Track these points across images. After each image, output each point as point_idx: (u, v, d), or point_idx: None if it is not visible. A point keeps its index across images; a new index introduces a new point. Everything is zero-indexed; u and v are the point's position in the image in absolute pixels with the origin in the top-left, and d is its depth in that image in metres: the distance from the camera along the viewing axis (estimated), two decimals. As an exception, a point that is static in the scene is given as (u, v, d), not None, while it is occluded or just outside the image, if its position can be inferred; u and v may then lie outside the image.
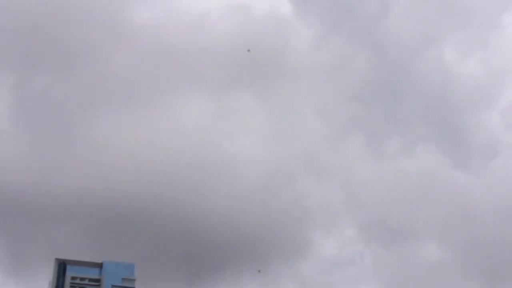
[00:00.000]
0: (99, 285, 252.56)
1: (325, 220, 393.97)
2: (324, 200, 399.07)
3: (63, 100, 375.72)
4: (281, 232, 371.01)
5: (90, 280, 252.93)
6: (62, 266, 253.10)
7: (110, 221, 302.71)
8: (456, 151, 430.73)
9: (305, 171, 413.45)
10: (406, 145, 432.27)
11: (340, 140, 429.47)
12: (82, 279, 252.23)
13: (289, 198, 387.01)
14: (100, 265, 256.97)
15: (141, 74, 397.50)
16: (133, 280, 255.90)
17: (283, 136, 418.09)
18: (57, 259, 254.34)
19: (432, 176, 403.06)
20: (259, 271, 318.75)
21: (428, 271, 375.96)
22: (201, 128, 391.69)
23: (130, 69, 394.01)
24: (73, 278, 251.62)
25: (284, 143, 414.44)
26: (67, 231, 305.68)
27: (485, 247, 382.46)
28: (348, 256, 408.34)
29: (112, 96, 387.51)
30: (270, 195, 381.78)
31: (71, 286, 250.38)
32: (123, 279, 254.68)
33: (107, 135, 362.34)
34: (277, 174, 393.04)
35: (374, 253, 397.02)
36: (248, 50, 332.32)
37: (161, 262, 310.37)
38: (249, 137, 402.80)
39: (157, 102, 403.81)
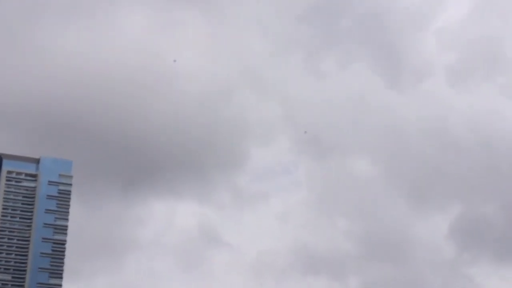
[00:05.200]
0: (35, 180, 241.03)
1: (261, 133, 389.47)
2: (262, 115, 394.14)
3: (6, 7, 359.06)
4: (219, 144, 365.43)
5: (27, 175, 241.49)
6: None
7: (49, 119, 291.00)
8: (389, 71, 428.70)
9: (245, 86, 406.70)
10: (342, 64, 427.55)
11: (280, 57, 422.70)
12: (18, 173, 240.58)
13: (228, 111, 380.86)
14: (37, 161, 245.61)
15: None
16: (70, 177, 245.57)
17: (225, 52, 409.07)
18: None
19: (365, 95, 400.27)
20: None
21: (357, 185, 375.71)
22: (144, 39, 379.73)
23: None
24: (9, 172, 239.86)
25: (225, 59, 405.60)
26: (5, 126, 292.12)
27: (412, 164, 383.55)
28: (282, 168, 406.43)
29: (54, 4, 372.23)
30: (210, 108, 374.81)
31: (7, 180, 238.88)
32: (60, 175, 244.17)
33: (49, 41, 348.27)
34: (217, 88, 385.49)
35: (308, 166, 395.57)
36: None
37: (99, 162, 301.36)
38: (191, 51, 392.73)
39: (99, 11, 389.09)
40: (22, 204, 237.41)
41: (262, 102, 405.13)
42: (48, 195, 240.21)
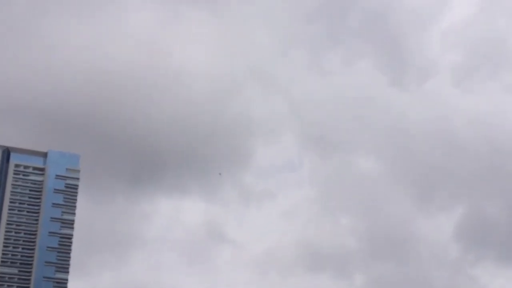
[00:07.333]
0: (43, 174, 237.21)
1: (267, 131, 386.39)
2: (267, 112, 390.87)
3: (14, 4, 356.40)
4: (225, 141, 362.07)
5: (34, 168, 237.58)
6: (6, 153, 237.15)
7: (57, 113, 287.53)
8: (394, 70, 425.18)
9: (250, 84, 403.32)
10: (347, 62, 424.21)
11: (286, 55, 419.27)
12: (26, 167, 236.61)
13: (234, 109, 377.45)
14: (45, 154, 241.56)
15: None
16: (77, 171, 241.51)
17: (230, 49, 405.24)
18: (1, 146, 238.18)
19: (370, 93, 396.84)
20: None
21: (362, 183, 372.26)
22: (151, 36, 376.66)
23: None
24: (17, 165, 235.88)
25: (231, 56, 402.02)
26: (12, 119, 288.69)
27: (417, 163, 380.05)
28: (288, 165, 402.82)
29: (62, 1, 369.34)
30: (216, 105, 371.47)
31: (14, 174, 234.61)
32: (68, 169, 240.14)
33: (56, 37, 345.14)
34: (223, 85, 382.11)
35: (313, 164, 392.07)
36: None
37: (106, 157, 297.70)
38: (198, 48, 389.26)
39: (107, 8, 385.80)
40: (30, 198, 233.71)
41: (268, 100, 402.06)
42: (55, 189, 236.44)
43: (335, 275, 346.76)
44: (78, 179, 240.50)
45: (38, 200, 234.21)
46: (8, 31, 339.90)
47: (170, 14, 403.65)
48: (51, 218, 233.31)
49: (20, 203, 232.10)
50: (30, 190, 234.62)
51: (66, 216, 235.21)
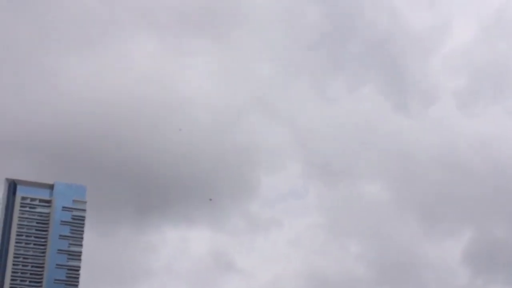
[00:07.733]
0: (49, 206, 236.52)
1: (272, 159, 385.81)
2: (272, 141, 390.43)
3: (16, 36, 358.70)
4: (231, 171, 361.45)
5: (41, 200, 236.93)
6: (12, 186, 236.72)
7: (63, 146, 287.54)
8: (397, 96, 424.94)
9: (255, 113, 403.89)
10: (350, 89, 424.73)
11: (289, 83, 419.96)
12: (32, 199, 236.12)
13: (238, 138, 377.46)
14: (51, 186, 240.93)
15: (95, 14, 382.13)
16: (84, 203, 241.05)
17: (234, 80, 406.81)
18: (7, 179, 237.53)
19: (374, 120, 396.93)
20: (210, 199, 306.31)
21: (368, 209, 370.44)
22: (154, 67, 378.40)
23: (84, 9, 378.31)
24: (23, 198, 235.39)
25: (234, 86, 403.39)
26: (19, 152, 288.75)
27: (422, 188, 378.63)
28: (293, 193, 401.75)
29: (65, 35, 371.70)
30: (221, 135, 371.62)
31: (21, 207, 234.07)
32: (74, 201, 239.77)
33: (61, 71, 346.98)
34: (227, 115, 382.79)
35: (318, 191, 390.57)
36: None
37: (113, 188, 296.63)
38: (201, 79, 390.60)
39: (109, 40, 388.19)
40: (36, 230, 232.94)
41: (272, 129, 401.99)
42: (62, 221, 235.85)
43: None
44: (84, 210, 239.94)
45: (45, 233, 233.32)
46: (12, 67, 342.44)
47: (173, 46, 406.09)
48: (58, 250, 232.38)
49: (27, 236, 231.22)
50: (37, 223, 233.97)
51: (73, 248, 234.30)
